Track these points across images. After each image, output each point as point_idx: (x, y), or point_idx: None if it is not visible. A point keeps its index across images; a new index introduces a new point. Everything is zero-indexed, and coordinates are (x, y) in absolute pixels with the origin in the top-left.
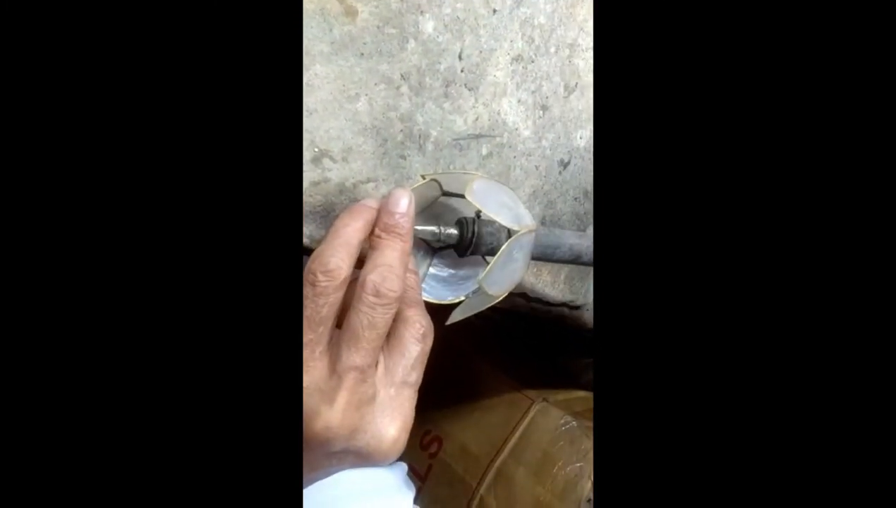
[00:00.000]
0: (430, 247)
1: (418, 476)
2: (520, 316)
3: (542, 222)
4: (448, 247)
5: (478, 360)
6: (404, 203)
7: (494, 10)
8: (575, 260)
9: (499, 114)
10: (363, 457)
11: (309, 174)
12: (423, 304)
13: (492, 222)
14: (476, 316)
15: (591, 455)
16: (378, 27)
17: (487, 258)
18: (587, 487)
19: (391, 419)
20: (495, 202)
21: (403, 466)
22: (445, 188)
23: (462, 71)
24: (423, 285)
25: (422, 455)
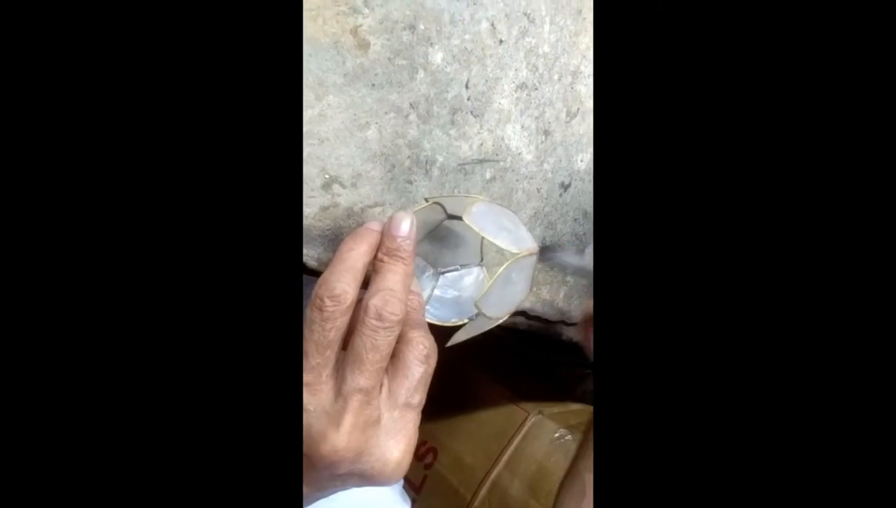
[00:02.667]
0: (435, 270)
1: (413, 487)
2: (517, 329)
3: (543, 243)
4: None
5: (474, 372)
6: (405, 226)
7: (501, 41)
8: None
9: (503, 139)
10: (367, 479)
11: (319, 199)
12: (426, 326)
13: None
14: None
15: None
16: (389, 59)
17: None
18: None
19: (395, 441)
20: (494, 225)
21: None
22: (449, 211)
23: (468, 99)
24: (428, 307)
25: (417, 466)
